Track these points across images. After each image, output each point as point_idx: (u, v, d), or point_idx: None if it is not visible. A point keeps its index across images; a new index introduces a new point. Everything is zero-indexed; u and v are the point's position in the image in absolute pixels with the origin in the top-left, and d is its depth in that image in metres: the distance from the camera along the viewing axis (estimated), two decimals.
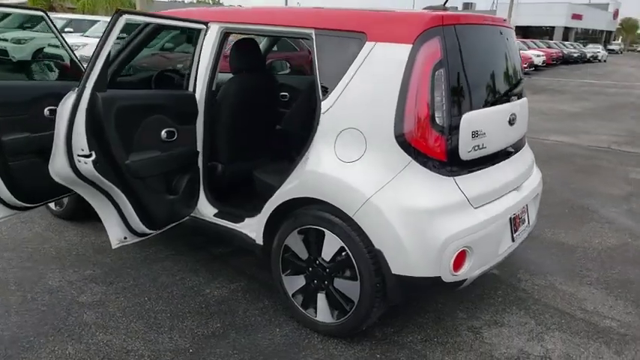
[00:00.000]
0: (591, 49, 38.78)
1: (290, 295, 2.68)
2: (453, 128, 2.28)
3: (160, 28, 3.23)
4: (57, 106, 2.24)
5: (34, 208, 2.97)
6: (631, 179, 5.77)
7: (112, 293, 2.96)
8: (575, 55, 33.49)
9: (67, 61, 3.39)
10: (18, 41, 7.23)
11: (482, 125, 2.41)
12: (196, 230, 3.18)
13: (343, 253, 2.41)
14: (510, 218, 2.56)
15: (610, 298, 3.09)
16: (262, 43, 4.56)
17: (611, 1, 65.53)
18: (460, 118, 2.30)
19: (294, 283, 2.66)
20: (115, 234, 2.59)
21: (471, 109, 2.36)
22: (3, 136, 2.63)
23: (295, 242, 2.59)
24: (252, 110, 3.27)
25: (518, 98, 2.82)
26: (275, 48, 5.31)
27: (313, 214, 2.48)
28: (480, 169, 2.46)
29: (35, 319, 2.69)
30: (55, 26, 3.16)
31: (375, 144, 2.29)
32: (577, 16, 53.30)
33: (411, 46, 2.23)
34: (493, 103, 2.54)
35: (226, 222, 2.99)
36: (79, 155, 2.22)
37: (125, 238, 2.62)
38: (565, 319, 2.83)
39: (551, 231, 4.06)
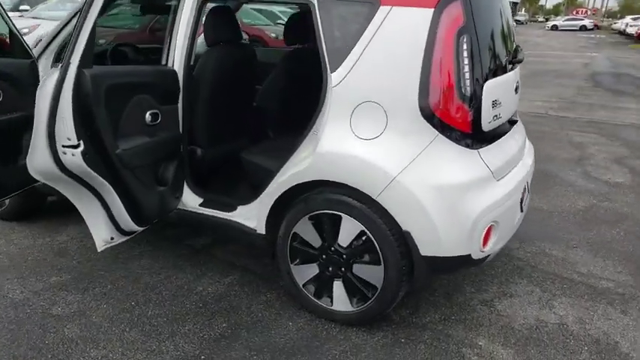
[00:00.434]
0: None
1: (301, 285, 2.48)
2: (477, 98, 2.16)
3: None
4: None
5: None
6: (576, 143, 6.06)
7: (91, 301, 2.61)
8: None
9: (7, 37, 2.89)
10: None
11: (499, 94, 2.33)
12: (181, 223, 2.87)
13: (363, 238, 2.25)
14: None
15: (598, 259, 3.18)
16: None
17: None
18: (482, 87, 2.19)
19: (305, 273, 2.47)
20: (102, 235, 2.25)
21: (490, 77, 2.26)
22: None
23: (306, 229, 2.39)
24: (232, 86, 2.97)
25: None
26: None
27: (327, 198, 2.29)
28: (496, 140, 2.37)
29: (5, 340, 2.30)
30: None
31: (398, 118, 2.12)
32: None
33: (432, 10, 2.07)
34: (504, 70, 2.45)
35: (216, 212, 2.71)
36: (64, 146, 1.86)
37: (112, 238, 2.29)
38: (566, 284, 2.87)
39: None
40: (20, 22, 6.74)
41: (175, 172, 2.49)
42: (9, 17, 2.81)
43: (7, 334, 2.34)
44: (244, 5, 7.29)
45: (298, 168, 2.32)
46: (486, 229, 2.17)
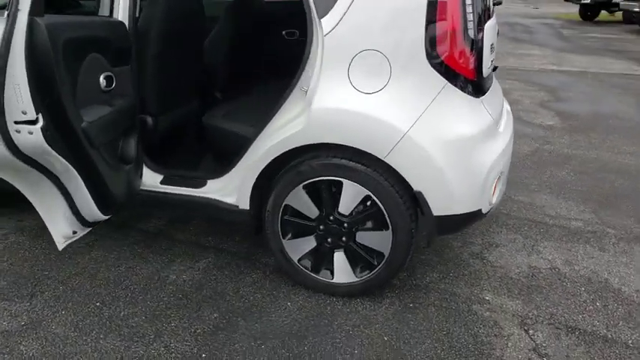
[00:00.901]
0: None
1: (295, 261, 2.25)
2: (480, 42, 2.02)
3: None
4: None
5: None
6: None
7: (44, 308, 2.19)
8: None
9: None
10: None
11: (492, 38, 2.20)
12: (143, 205, 2.49)
13: (368, 203, 2.06)
14: None
15: (560, 200, 3.28)
16: None
17: None
18: (483, 31, 2.04)
19: (300, 247, 2.24)
20: (62, 230, 1.85)
21: (485, 20, 2.11)
22: None
23: (300, 200, 2.14)
24: (180, 41, 2.57)
25: None
26: None
27: (324, 164, 2.05)
28: (489, 86, 2.26)
29: None
30: None
31: (402, 67, 1.91)
32: None
33: None
34: (489, 15, 2.32)
35: (182, 189, 2.37)
36: (17, 122, 1.42)
37: (74, 232, 1.89)
38: (543, 228, 2.91)
39: None
40: None
41: (137, 147, 2.10)
42: None
43: None
44: None
45: (290, 131, 2.04)
46: (496, 180, 2.08)
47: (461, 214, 2.02)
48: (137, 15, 2.28)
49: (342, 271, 2.21)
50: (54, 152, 1.55)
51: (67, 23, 1.58)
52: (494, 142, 2.08)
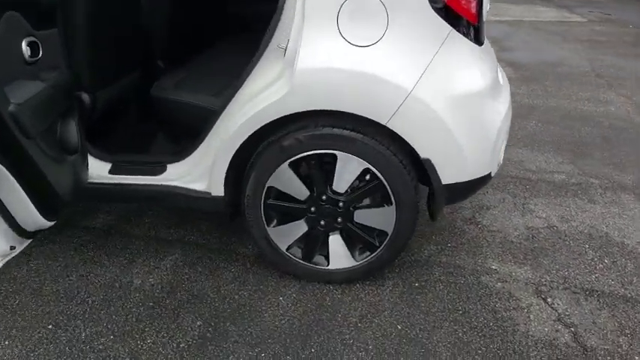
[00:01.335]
0: None
1: (284, 249, 1.95)
2: None
3: None
4: None
5: None
6: None
7: None
8: None
9: None
10: None
11: None
12: (92, 200, 2.07)
13: (367, 177, 1.78)
14: None
15: (537, 154, 3.16)
16: None
17: None
18: None
19: (289, 234, 1.94)
20: None
21: None
22: None
23: (285, 180, 1.83)
24: (114, 2, 2.12)
25: None
26: None
27: (312, 135, 1.73)
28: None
29: None
30: None
31: (401, 13, 1.61)
32: None
33: None
34: None
35: (136, 177, 1.99)
36: None
37: (12, 248, 1.48)
38: (529, 185, 2.77)
39: None
40: None
41: (78, 130, 1.68)
42: None
43: None
44: None
45: (268, 100, 1.70)
46: (504, 138, 1.86)
47: (471, 180, 1.80)
48: None
49: (339, 256, 1.93)
50: None
51: None
52: (499, 96, 1.85)
